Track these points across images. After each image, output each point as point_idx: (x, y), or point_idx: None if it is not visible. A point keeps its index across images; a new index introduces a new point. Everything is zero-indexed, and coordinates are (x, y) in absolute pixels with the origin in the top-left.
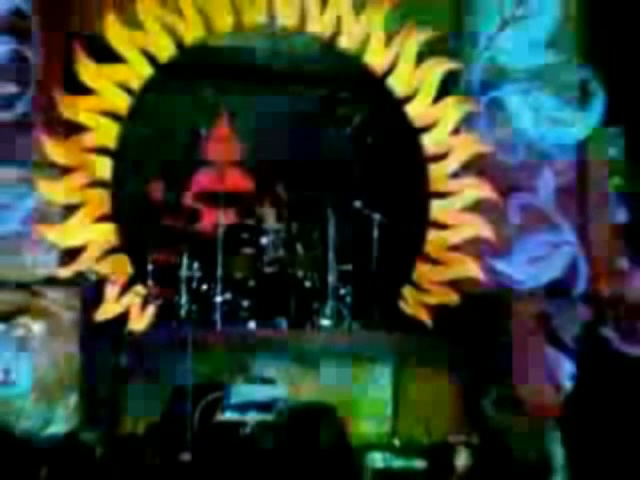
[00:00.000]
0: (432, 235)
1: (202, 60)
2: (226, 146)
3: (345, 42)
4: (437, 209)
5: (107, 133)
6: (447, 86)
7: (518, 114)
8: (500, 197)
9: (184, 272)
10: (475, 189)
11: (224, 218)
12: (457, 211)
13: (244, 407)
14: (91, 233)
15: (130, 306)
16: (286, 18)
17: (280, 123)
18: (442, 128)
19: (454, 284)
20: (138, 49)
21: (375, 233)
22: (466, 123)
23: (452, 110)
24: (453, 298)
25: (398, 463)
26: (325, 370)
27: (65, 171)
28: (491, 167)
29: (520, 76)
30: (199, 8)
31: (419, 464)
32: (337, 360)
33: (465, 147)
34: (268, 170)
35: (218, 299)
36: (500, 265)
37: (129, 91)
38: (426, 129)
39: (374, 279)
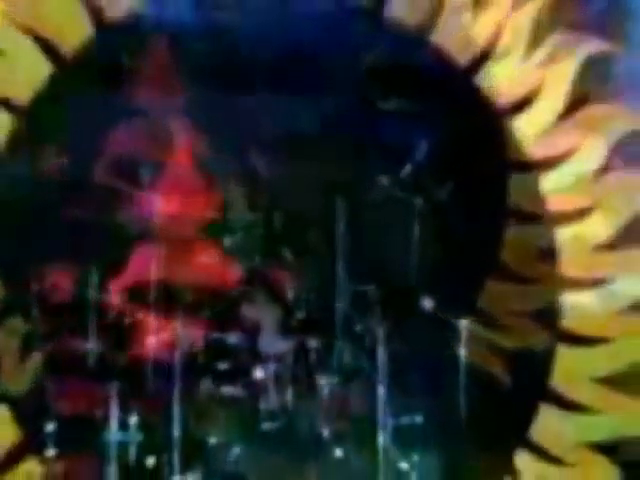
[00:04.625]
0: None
1: None
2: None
3: None
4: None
5: None
6: None
7: None
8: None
9: (94, 295)
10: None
11: (165, 205)
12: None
13: None
14: None
15: (1, 354)
16: None
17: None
18: None
19: None
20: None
21: (415, 230)
22: None
23: None
24: (546, 339)
25: None
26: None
27: None
28: None
29: None
30: None
31: None
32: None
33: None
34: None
35: (152, 340)
36: None
37: None
38: None
39: (413, 306)
